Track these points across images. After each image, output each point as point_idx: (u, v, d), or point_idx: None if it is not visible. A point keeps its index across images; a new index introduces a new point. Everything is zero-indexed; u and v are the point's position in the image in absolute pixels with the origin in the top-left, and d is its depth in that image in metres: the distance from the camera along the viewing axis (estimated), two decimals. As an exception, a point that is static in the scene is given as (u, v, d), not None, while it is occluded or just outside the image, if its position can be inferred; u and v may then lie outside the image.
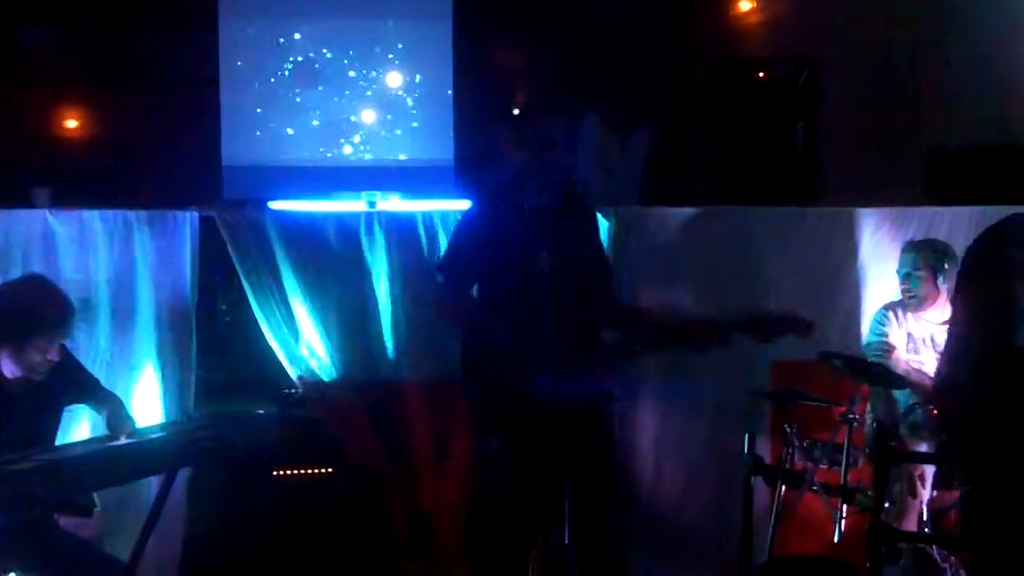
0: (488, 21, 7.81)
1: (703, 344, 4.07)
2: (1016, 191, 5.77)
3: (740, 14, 8.00)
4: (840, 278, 5.44)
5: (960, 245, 5.24)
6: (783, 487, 4.60)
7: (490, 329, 3.88)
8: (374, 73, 7.19)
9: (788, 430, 4.74)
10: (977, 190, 5.66)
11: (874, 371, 4.75)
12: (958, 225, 5.37)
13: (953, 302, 2.82)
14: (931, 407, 4.67)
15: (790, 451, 4.76)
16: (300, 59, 7.03)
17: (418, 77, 7.18)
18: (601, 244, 4.36)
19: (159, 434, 4.12)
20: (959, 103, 6.32)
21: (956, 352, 2.72)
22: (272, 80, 6.97)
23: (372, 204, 5.61)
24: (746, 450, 4.41)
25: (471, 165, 7.09)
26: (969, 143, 5.98)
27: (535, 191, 3.98)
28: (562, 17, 8.02)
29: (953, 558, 4.68)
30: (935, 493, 4.81)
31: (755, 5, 7.90)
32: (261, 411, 4.71)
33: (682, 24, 8.07)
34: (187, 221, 4.94)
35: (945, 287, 5.01)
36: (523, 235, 3.93)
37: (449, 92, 7.15)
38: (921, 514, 4.77)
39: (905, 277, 5.07)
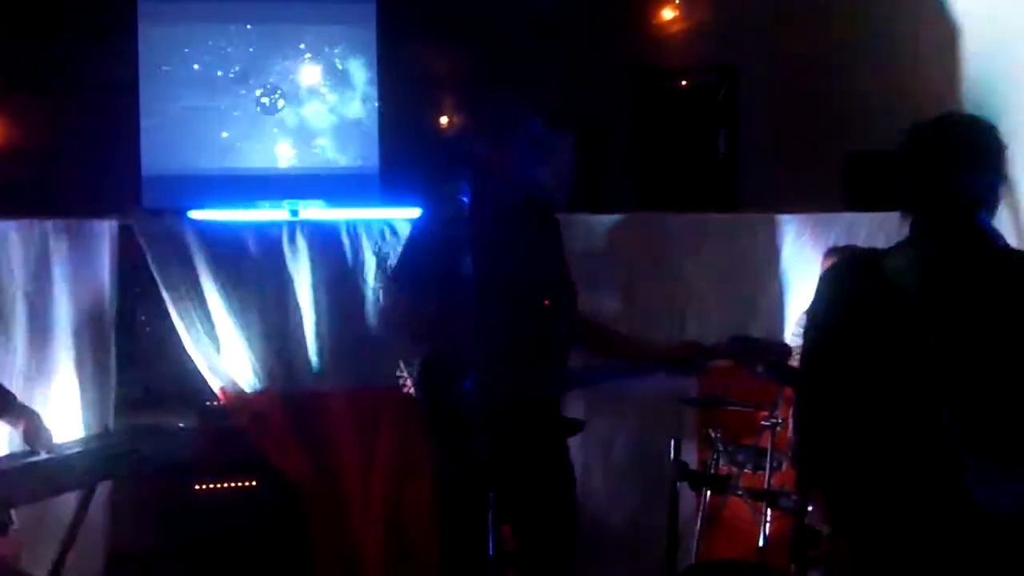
0: (412, 27, 7.78)
1: (682, 370, 3.96)
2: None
3: (662, 23, 8.06)
4: (762, 283, 5.51)
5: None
6: (708, 492, 4.62)
7: (445, 340, 3.53)
8: (297, 79, 7.13)
9: (713, 435, 4.78)
10: (892, 194, 5.75)
11: (797, 375, 4.80)
12: (877, 231, 5.46)
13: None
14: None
15: (715, 456, 4.79)
16: (221, 66, 6.95)
17: (342, 84, 7.13)
18: (563, 257, 3.95)
19: (78, 449, 4.04)
20: (878, 110, 6.41)
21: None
22: (192, 87, 6.88)
23: (295, 212, 5.56)
24: (672, 455, 4.42)
25: (396, 172, 7.05)
26: (888, 149, 6.07)
27: (504, 192, 3.65)
28: (486, 24, 8.02)
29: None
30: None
31: (677, 14, 7.96)
32: (182, 424, 4.64)
33: (605, 32, 8.11)
34: (105, 231, 4.85)
35: (865, 292, 5.08)
36: (484, 239, 3.42)
37: (374, 98, 7.12)
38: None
39: None
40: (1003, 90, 5.55)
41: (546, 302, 3.69)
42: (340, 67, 7.25)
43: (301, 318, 4.97)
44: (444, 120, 8.37)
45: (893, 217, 5.41)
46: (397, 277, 3.88)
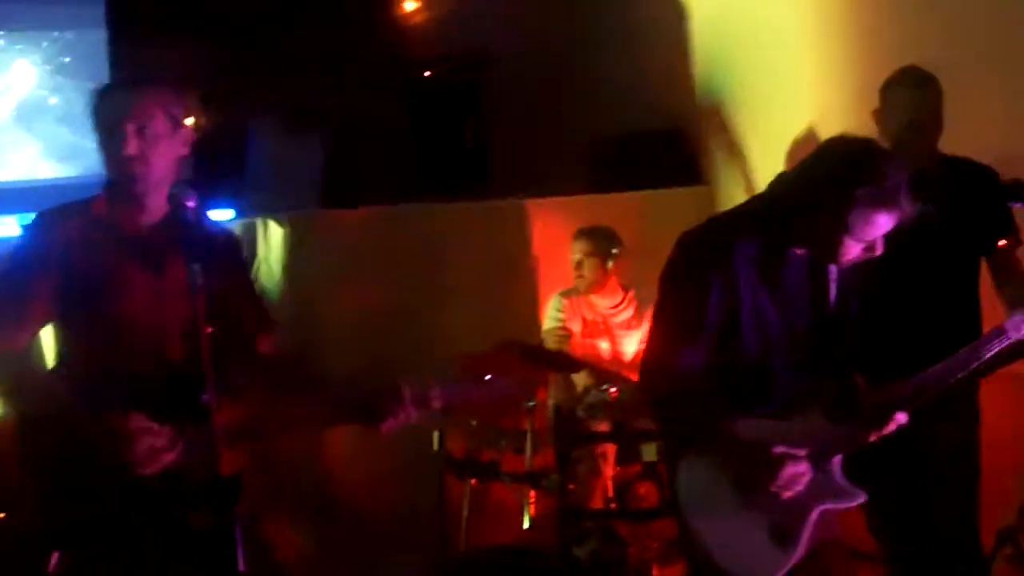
0: (149, 27, 7.49)
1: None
2: (677, 174, 6.09)
3: (411, 13, 8.05)
4: (516, 268, 5.58)
5: (627, 230, 5.49)
6: (473, 479, 4.64)
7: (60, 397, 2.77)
8: (25, 88, 6.80)
9: (473, 423, 4.80)
10: (641, 175, 5.94)
11: (552, 357, 4.87)
12: (623, 211, 5.62)
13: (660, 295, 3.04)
14: (607, 387, 4.84)
15: (478, 442, 4.81)
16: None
17: (72, 89, 6.83)
18: (240, 271, 3.20)
19: None
20: (621, 93, 6.58)
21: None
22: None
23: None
24: (436, 446, 4.42)
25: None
26: (631, 131, 6.26)
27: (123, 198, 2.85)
28: (227, 17, 7.82)
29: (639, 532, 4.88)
30: (618, 469, 4.97)
31: (423, 4, 7.97)
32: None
33: (351, 24, 8.03)
34: None
35: (614, 271, 5.21)
36: (106, 259, 2.77)
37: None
38: (606, 491, 4.93)
39: (577, 264, 5.23)
40: (729, 67, 5.79)
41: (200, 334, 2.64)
42: (71, 71, 6.95)
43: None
44: (189, 121, 8.13)
45: (635, 196, 5.66)
46: None
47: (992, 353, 3.02)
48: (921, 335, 3.44)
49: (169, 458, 2.70)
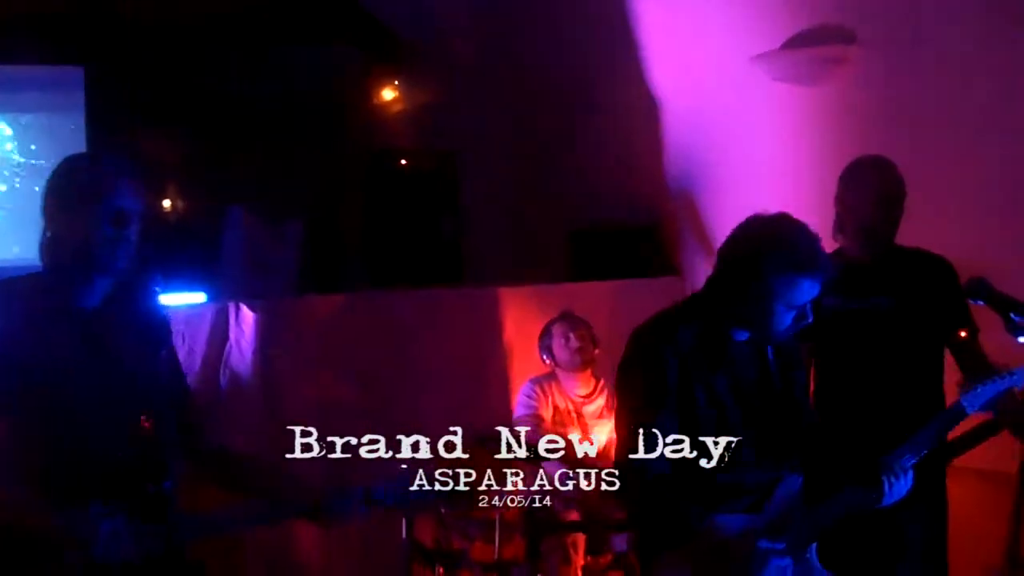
0: (125, 114, 7.56)
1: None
2: (646, 265, 6.16)
3: (388, 108, 8.16)
4: (489, 355, 5.59)
5: (599, 319, 5.52)
6: (441, 567, 4.59)
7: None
8: (7, 172, 6.84)
9: (443, 510, 4.76)
10: (611, 265, 6.01)
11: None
12: (595, 300, 5.65)
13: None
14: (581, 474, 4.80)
15: (447, 531, 4.77)
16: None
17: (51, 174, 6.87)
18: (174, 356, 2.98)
19: None
20: (592, 186, 6.65)
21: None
22: None
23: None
24: (404, 534, 4.38)
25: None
26: (602, 222, 6.33)
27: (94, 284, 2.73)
28: (210, 107, 7.90)
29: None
30: (589, 559, 4.93)
31: (402, 100, 8.09)
32: None
33: (333, 117, 8.13)
34: None
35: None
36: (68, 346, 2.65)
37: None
38: (576, 581, 4.88)
39: (580, 340, 5.24)
40: (700, 159, 5.88)
41: (145, 423, 2.71)
42: (50, 158, 6.99)
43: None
44: (167, 204, 8.17)
45: (607, 286, 5.69)
46: None
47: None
48: (886, 424, 3.45)
49: (130, 547, 2.59)
